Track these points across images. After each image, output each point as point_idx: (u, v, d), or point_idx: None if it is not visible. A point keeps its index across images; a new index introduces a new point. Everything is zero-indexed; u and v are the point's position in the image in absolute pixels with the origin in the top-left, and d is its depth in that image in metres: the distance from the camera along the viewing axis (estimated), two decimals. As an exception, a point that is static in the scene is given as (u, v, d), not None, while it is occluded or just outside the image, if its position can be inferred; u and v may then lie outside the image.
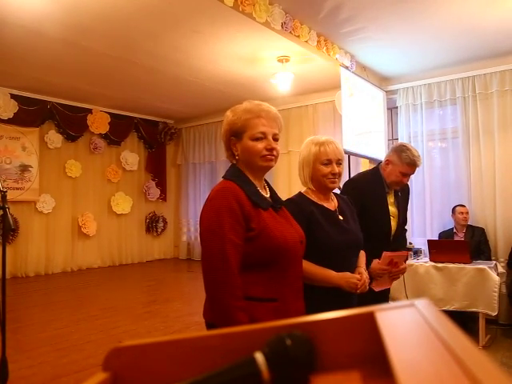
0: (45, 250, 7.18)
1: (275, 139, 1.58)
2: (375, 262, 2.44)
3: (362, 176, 2.84)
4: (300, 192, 2.06)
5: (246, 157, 1.57)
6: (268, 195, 1.65)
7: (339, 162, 1.97)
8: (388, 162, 2.60)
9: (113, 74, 5.80)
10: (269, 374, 0.47)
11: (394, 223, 2.64)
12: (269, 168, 1.60)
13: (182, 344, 0.54)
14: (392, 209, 2.65)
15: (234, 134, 1.58)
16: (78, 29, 4.38)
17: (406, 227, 2.90)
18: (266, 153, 1.54)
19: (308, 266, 1.84)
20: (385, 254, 2.42)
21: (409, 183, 2.79)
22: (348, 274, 1.89)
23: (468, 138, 5.27)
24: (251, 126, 1.55)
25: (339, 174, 1.96)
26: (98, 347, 3.39)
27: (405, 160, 2.52)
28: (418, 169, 5.57)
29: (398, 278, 2.58)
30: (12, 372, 2.17)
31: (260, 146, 1.54)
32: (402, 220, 2.74)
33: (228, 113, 1.62)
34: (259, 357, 0.47)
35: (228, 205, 1.45)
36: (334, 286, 1.87)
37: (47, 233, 7.25)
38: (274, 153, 1.56)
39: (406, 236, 2.93)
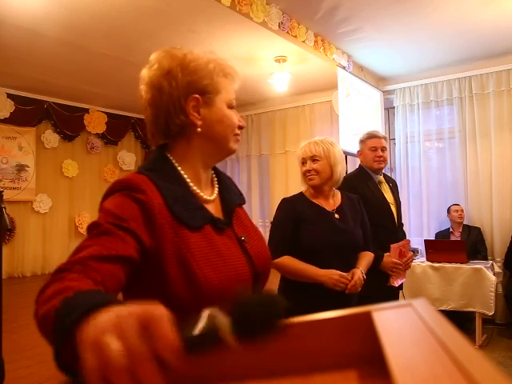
0: (41, 250, 7.15)
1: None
2: (386, 256, 2.54)
3: (351, 174, 2.94)
4: (301, 191, 2.14)
5: (216, 131, 1.00)
6: (213, 196, 1.03)
7: (314, 159, 2.04)
8: (359, 153, 2.86)
9: (110, 73, 5.79)
10: (230, 330, 0.47)
11: (393, 209, 2.75)
12: (233, 152, 1.06)
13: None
14: (388, 196, 2.77)
15: (200, 92, 0.98)
16: (75, 28, 4.37)
17: (402, 222, 2.99)
18: (237, 131, 1.04)
19: (292, 261, 1.91)
20: (393, 246, 2.52)
21: (404, 181, 2.92)
22: (333, 270, 1.88)
23: (465, 138, 5.29)
24: (224, 87, 1.01)
25: (315, 171, 2.02)
26: (95, 347, 3.38)
27: (364, 138, 2.81)
28: (414, 168, 5.60)
29: (410, 267, 2.71)
30: (8, 372, 2.16)
31: (236, 119, 1.03)
32: (400, 208, 2.86)
33: (179, 52, 0.99)
34: (222, 318, 0.48)
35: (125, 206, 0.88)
36: (317, 282, 1.87)
37: (44, 233, 7.22)
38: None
39: (404, 231, 3.00)
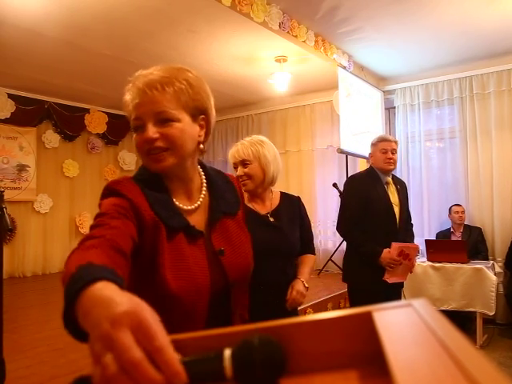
0: (42, 250, 7.15)
1: (163, 120, 0.98)
2: (385, 252, 2.66)
3: (360, 174, 3.18)
4: None
5: None
6: (194, 206, 1.07)
7: (245, 163, 1.93)
8: (370, 155, 2.97)
9: (110, 73, 5.79)
10: (232, 372, 0.47)
11: (397, 210, 2.83)
12: (160, 170, 1.02)
13: (181, 344, 0.54)
14: (393, 198, 2.85)
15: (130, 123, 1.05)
16: (75, 29, 4.37)
17: (411, 222, 3.09)
18: (145, 147, 0.99)
19: None
20: (394, 244, 2.61)
21: (405, 181, 3.06)
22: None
23: (465, 137, 5.29)
24: (129, 111, 1.02)
25: (247, 175, 1.92)
26: (96, 347, 3.38)
27: (376, 141, 2.94)
28: (415, 168, 5.64)
29: (411, 271, 2.83)
30: (9, 372, 2.16)
31: (138, 139, 1.00)
32: (406, 210, 2.93)
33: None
34: (227, 353, 0.48)
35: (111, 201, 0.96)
36: None
37: (45, 233, 7.23)
38: (159, 143, 0.98)
39: (413, 231, 3.06)
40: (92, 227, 0.87)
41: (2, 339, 2.14)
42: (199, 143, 1.06)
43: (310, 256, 2.07)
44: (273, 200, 2.03)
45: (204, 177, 1.13)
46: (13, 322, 3.91)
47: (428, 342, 0.38)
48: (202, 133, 1.07)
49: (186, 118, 1.01)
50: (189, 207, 1.06)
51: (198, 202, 1.08)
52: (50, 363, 3.09)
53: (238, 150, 1.96)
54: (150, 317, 0.49)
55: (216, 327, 0.85)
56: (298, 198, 2.14)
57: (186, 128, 1.01)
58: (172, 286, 0.95)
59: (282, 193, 2.10)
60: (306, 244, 2.07)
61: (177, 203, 1.04)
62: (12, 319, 3.94)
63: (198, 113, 1.05)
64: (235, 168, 1.98)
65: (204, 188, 1.11)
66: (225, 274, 1.05)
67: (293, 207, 2.06)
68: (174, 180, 1.06)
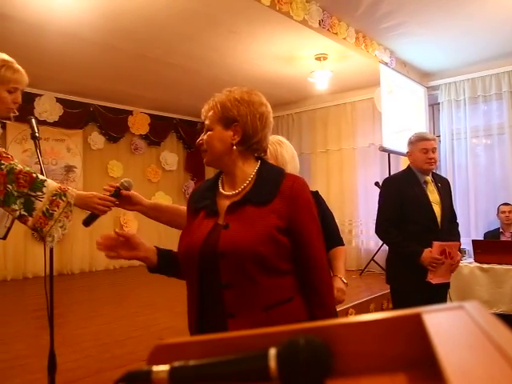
0: (89, 248, 7.41)
1: (206, 130, 1.35)
2: (426, 251, 2.58)
3: (396, 175, 3.11)
4: None
5: None
6: (232, 192, 1.32)
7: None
8: (409, 154, 2.84)
9: (151, 75, 5.93)
10: (277, 371, 0.46)
11: (438, 209, 2.73)
12: (206, 165, 1.40)
13: (223, 343, 0.54)
14: (433, 196, 2.76)
15: None
16: (118, 33, 4.50)
17: (457, 221, 2.98)
18: (201, 149, 1.37)
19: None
20: (435, 243, 2.56)
21: (450, 179, 2.94)
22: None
23: (515, 133, 5.06)
24: None
25: None
26: (139, 343, 3.46)
27: (414, 140, 2.80)
28: (461, 166, 5.45)
29: (453, 270, 2.74)
30: (58, 365, 2.25)
31: None
32: (448, 208, 2.82)
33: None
34: (272, 352, 0.47)
35: None
36: None
37: (91, 231, 7.48)
38: (203, 146, 1.35)
39: (458, 230, 2.95)
40: None
41: (53, 334, 2.23)
42: (232, 145, 1.29)
43: (340, 248, 2.05)
44: None
45: (255, 171, 1.33)
46: (61, 317, 4.07)
47: (483, 346, 0.36)
48: (236, 136, 1.29)
49: (217, 128, 1.31)
50: (228, 193, 1.32)
51: (237, 190, 1.31)
52: (96, 357, 3.20)
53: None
54: None
55: (207, 297, 1.27)
56: (316, 193, 2.10)
57: (216, 135, 1.31)
58: (179, 248, 1.38)
59: None
60: (333, 236, 2.04)
61: (221, 190, 1.35)
62: (60, 314, 4.11)
63: (230, 122, 1.30)
64: None
65: (249, 179, 1.31)
66: (215, 243, 1.23)
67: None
68: (224, 173, 1.37)
